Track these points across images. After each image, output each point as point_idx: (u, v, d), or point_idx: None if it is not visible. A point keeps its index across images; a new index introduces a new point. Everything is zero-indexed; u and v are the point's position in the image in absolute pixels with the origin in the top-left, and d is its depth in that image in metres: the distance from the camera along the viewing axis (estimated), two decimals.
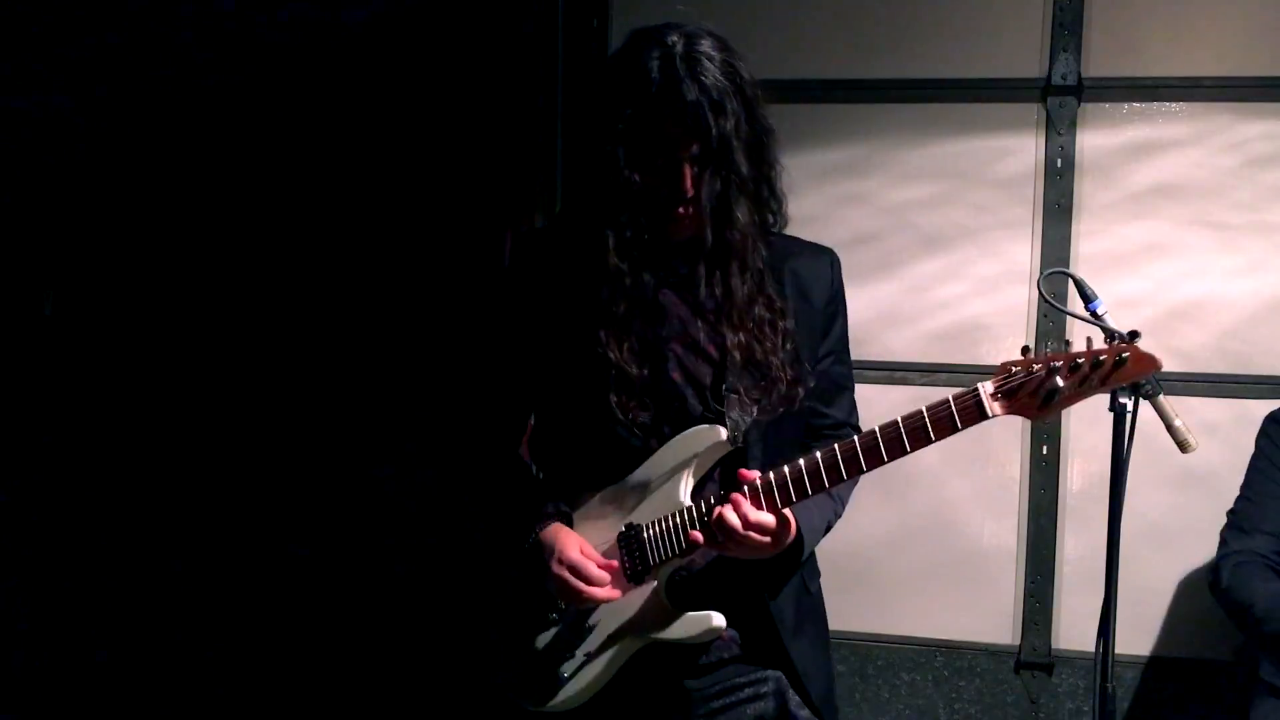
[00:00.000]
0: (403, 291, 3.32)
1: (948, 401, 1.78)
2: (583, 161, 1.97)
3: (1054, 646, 2.99)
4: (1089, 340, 1.73)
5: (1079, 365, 1.71)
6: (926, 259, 3.03)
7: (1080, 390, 1.73)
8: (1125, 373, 1.71)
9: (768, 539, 1.83)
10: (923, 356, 3.04)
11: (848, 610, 3.00)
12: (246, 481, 3.43)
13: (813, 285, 2.04)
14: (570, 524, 1.96)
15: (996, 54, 2.98)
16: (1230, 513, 2.61)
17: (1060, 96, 2.94)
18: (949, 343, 3.03)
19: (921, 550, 3.03)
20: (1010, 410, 1.78)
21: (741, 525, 1.81)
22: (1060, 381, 1.72)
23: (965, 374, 3.00)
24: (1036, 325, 2.98)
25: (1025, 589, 2.99)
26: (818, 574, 2.09)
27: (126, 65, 3.41)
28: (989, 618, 3.02)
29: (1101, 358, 1.70)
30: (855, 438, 1.82)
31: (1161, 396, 1.97)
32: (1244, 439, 2.77)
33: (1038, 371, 1.74)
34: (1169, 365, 2.86)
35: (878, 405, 2.90)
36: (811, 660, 2.00)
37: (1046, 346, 2.94)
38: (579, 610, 1.93)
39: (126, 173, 3.45)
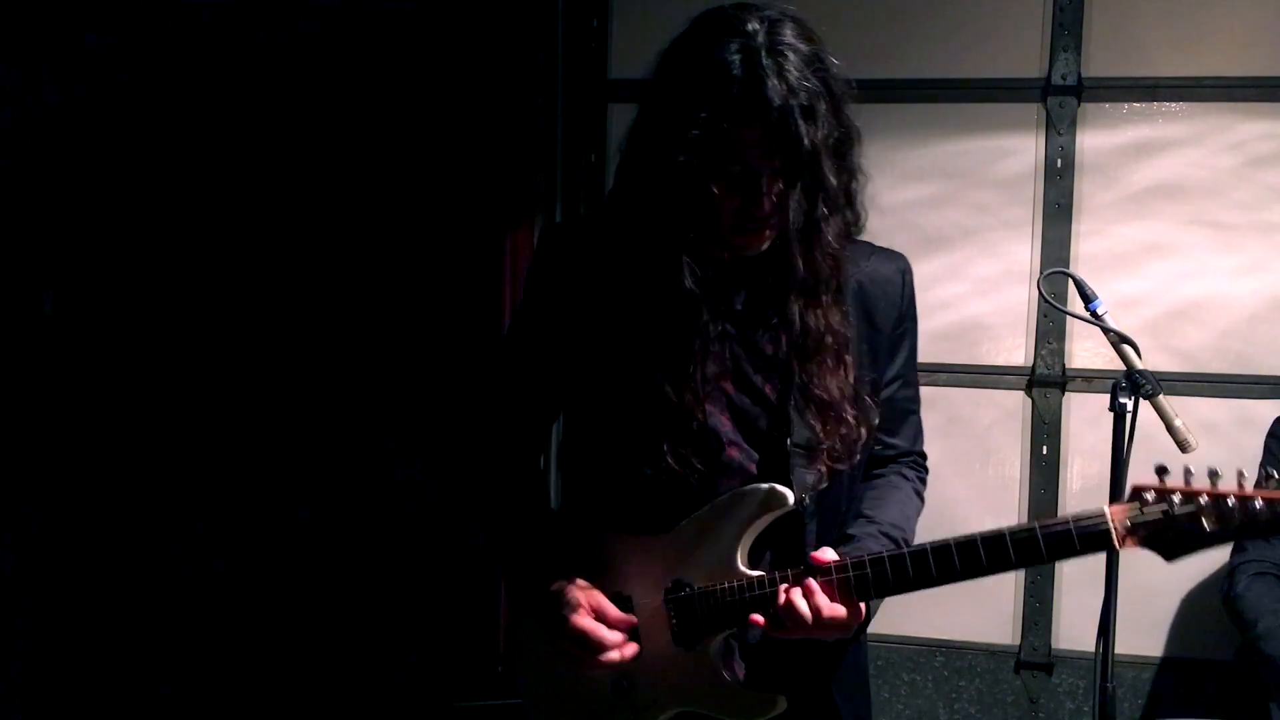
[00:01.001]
0: (401, 292, 3.32)
1: (1069, 527, 1.54)
2: (641, 166, 1.67)
3: (1054, 646, 2.99)
4: (1240, 475, 1.46)
5: (1229, 512, 1.45)
6: (926, 259, 3.03)
7: (1227, 539, 1.48)
8: None
9: (832, 634, 1.64)
10: (923, 356, 2.96)
11: None
12: (246, 480, 3.42)
13: (879, 302, 1.81)
14: (588, 577, 1.75)
15: (996, 54, 2.98)
16: None
17: (1060, 96, 2.94)
18: (949, 343, 3.03)
19: None
20: (1142, 546, 1.53)
21: (812, 618, 1.60)
22: (1207, 526, 1.47)
23: (965, 374, 3.00)
24: (1036, 325, 2.98)
25: (1025, 589, 2.99)
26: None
27: (126, 65, 3.40)
28: (989, 618, 3.02)
29: (1257, 504, 1.44)
30: (952, 543, 1.58)
31: (1161, 396, 1.97)
32: (1244, 439, 2.77)
33: (1180, 515, 1.48)
34: (1169, 365, 2.88)
35: None
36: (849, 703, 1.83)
37: (1049, 343, 2.95)
38: (620, 668, 1.72)
39: (126, 172, 3.45)
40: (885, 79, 3.03)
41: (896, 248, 3.00)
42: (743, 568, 1.69)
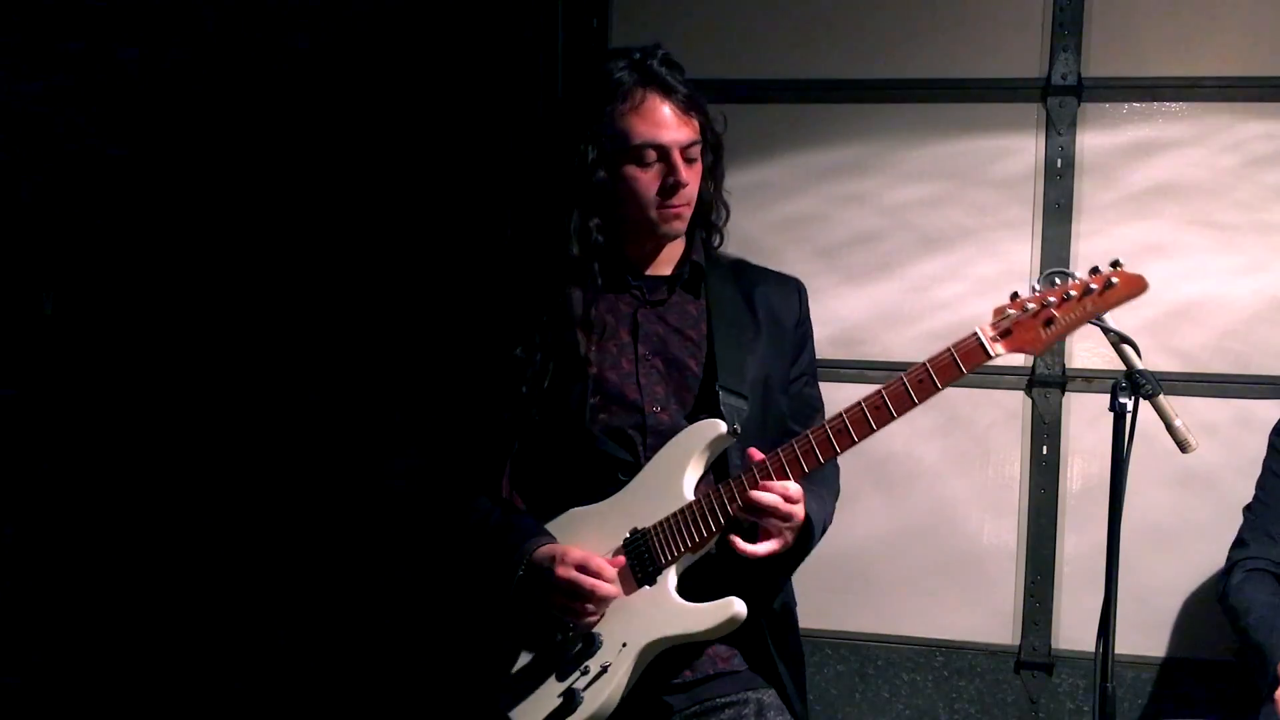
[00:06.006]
0: (401, 293, 3.32)
1: (948, 349, 1.83)
2: (553, 186, 2.00)
3: (1054, 646, 2.98)
4: (1073, 276, 1.81)
5: (1070, 296, 1.79)
6: (926, 259, 3.03)
7: (1076, 318, 1.80)
8: (1115, 293, 1.78)
9: (796, 508, 1.84)
10: (923, 356, 2.99)
11: (848, 610, 3.00)
12: (247, 482, 3.42)
13: (781, 307, 2.09)
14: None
15: (996, 54, 2.98)
16: (1248, 511, 2.60)
17: (1060, 96, 2.94)
18: (949, 342, 3.02)
19: (921, 550, 3.02)
20: (1012, 348, 1.83)
21: (783, 500, 1.82)
22: (1056, 312, 1.79)
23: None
24: None
25: (1025, 589, 2.99)
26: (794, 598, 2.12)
27: (127, 65, 3.41)
28: (989, 618, 3.02)
29: (1092, 286, 1.78)
30: (861, 399, 1.83)
31: (1161, 396, 1.96)
32: (1244, 439, 2.77)
33: (1032, 309, 1.81)
34: (1169, 365, 2.88)
35: None
36: (795, 681, 2.01)
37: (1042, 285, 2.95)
38: (588, 626, 1.89)
39: (126, 172, 3.45)
40: (885, 79, 3.03)
41: (896, 248, 3.05)
42: (689, 495, 1.89)
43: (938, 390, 1.82)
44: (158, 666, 3.47)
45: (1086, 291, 1.78)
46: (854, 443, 1.84)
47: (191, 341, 3.45)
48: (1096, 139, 2.94)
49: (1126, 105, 2.94)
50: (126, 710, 3.47)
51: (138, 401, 3.48)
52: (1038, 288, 1.85)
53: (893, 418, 1.83)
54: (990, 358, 1.82)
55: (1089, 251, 2.94)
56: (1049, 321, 1.80)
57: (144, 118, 3.43)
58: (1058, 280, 1.83)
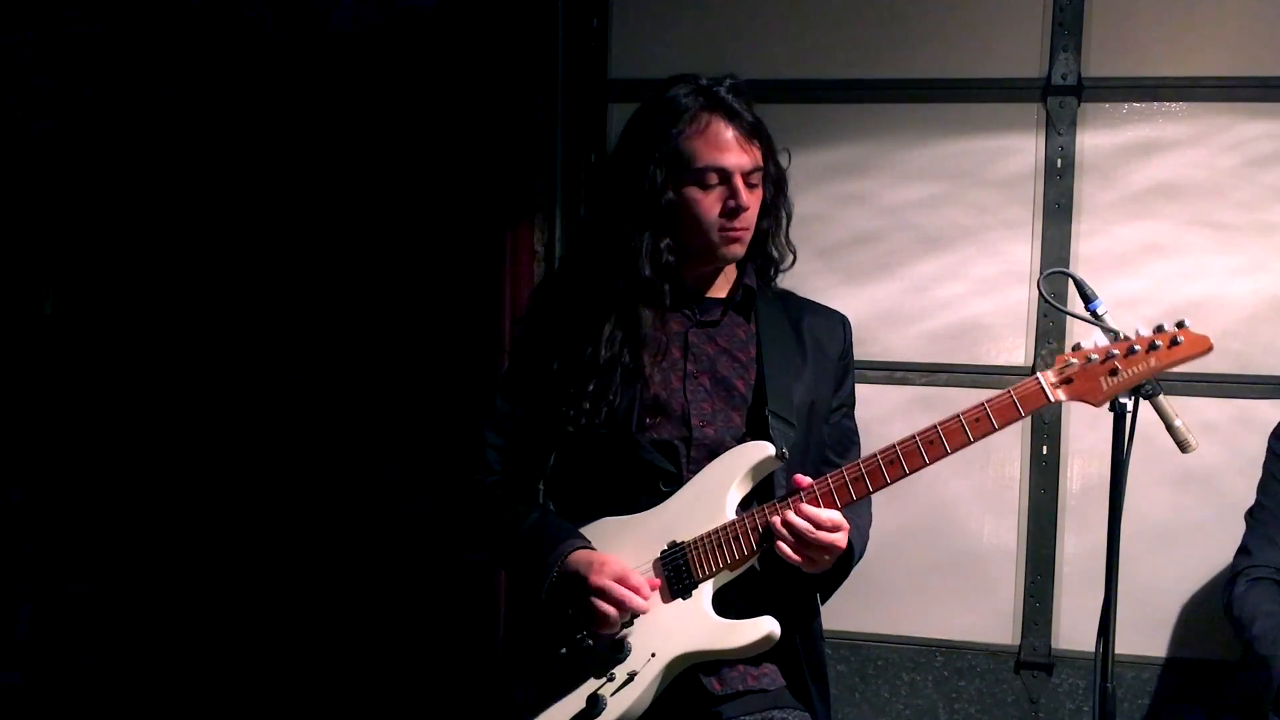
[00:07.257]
0: (400, 292, 3.32)
1: (1008, 392, 1.85)
2: (619, 205, 2.01)
3: (1054, 646, 2.99)
4: (1137, 331, 1.84)
5: (1135, 350, 1.82)
6: (926, 259, 3.03)
7: (1139, 372, 1.83)
8: (1181, 351, 1.82)
9: (838, 536, 1.86)
10: (923, 356, 3.04)
11: (848, 610, 2.99)
12: (246, 482, 3.42)
13: (826, 337, 2.12)
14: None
15: (996, 54, 2.98)
16: (1249, 517, 2.59)
17: (1060, 96, 2.94)
18: (949, 343, 3.03)
19: (921, 550, 3.03)
20: (1073, 396, 1.86)
21: (813, 526, 1.83)
22: (1120, 364, 1.82)
23: (965, 374, 3.00)
24: (1036, 325, 2.98)
25: (1025, 589, 2.99)
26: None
27: (127, 65, 3.41)
28: (989, 618, 3.02)
29: (1157, 342, 1.81)
30: (916, 432, 1.85)
31: (1161, 396, 1.96)
32: (1244, 439, 2.77)
33: (1096, 360, 1.83)
34: None
35: (878, 405, 2.93)
36: (823, 702, 2.03)
37: (1049, 343, 2.96)
38: (609, 636, 1.90)
39: (127, 173, 3.45)
40: (885, 79, 3.03)
41: (896, 248, 3.06)
42: (731, 514, 1.90)
43: (994, 430, 1.85)
44: (156, 667, 3.48)
45: (1152, 347, 1.81)
46: (904, 474, 1.86)
47: (192, 343, 3.45)
48: (1096, 139, 2.94)
49: (1126, 105, 2.94)
50: (125, 711, 3.48)
51: (137, 402, 3.48)
52: (1099, 341, 1.88)
53: (946, 453, 1.85)
54: (1050, 403, 1.86)
55: (1089, 251, 2.94)
56: (1112, 372, 1.83)
57: (144, 119, 3.43)
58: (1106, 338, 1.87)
